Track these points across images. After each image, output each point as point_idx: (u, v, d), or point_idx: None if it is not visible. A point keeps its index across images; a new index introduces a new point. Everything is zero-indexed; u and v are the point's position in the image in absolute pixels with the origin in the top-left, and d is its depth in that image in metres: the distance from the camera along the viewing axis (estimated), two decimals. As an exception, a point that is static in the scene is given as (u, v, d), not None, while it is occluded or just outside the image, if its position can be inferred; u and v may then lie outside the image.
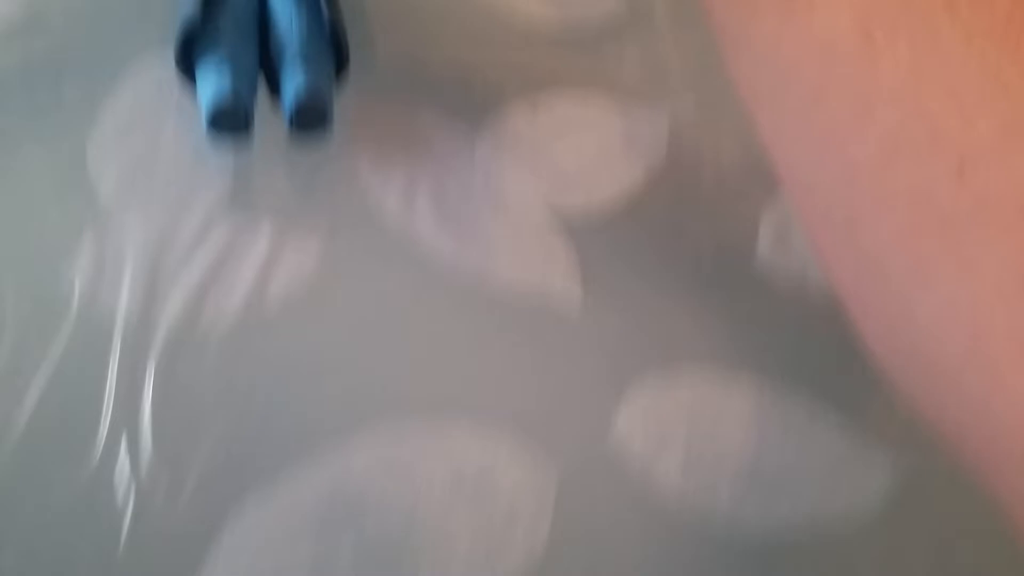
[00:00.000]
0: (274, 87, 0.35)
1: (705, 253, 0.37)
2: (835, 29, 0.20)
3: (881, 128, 0.19)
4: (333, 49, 0.35)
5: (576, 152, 0.39)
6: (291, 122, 0.34)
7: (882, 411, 0.34)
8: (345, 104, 0.38)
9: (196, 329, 0.33)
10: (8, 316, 0.32)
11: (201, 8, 0.33)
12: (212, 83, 0.33)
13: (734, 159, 0.40)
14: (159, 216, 0.35)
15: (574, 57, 0.42)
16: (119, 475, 0.29)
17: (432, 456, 0.31)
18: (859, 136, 0.20)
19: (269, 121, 0.36)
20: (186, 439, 0.31)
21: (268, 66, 0.35)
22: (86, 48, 0.39)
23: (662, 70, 0.43)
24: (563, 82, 0.41)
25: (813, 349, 0.36)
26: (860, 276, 0.22)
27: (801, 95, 0.21)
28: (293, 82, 0.33)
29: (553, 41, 0.43)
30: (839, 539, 0.31)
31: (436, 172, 0.38)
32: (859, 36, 0.20)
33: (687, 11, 0.45)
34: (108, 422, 0.30)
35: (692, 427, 0.33)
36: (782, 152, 0.24)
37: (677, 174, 0.39)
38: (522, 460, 0.31)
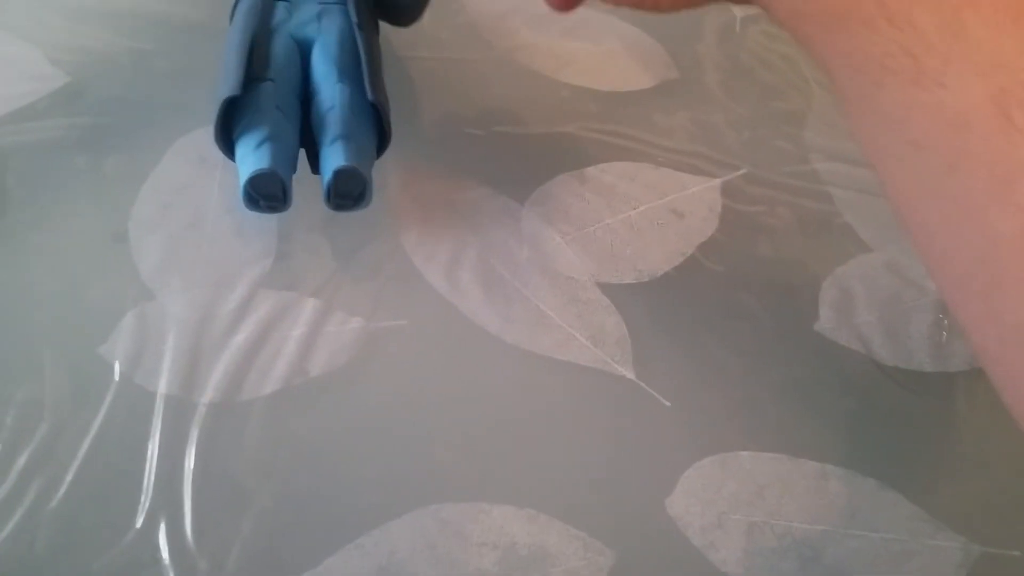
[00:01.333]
0: (316, 165, 0.35)
1: (762, 328, 0.36)
2: (969, 105, 0.20)
3: (1023, 201, 0.19)
4: (375, 127, 0.35)
5: (626, 227, 0.38)
6: (328, 199, 0.34)
7: (953, 496, 0.32)
8: (390, 174, 0.37)
9: (236, 408, 0.32)
10: (47, 394, 0.31)
11: (241, 86, 0.33)
12: (251, 161, 0.33)
13: (790, 229, 0.39)
14: (201, 294, 0.34)
15: (623, 129, 0.42)
16: (157, 559, 0.28)
17: (479, 543, 0.30)
18: (999, 208, 0.20)
19: (313, 197, 0.36)
20: (227, 524, 0.29)
21: (310, 144, 0.35)
22: (129, 123, 0.39)
23: (714, 141, 0.42)
24: (612, 155, 0.41)
25: (878, 429, 0.34)
26: (1004, 344, 0.21)
27: (934, 165, 0.21)
28: (332, 163, 0.33)
29: (602, 113, 0.43)
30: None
31: (482, 245, 0.37)
32: (996, 113, 0.20)
33: (739, 80, 0.45)
34: (147, 504, 0.29)
35: (752, 512, 0.31)
36: (915, 217, 0.23)
37: (731, 247, 0.38)
38: (574, 546, 0.30)
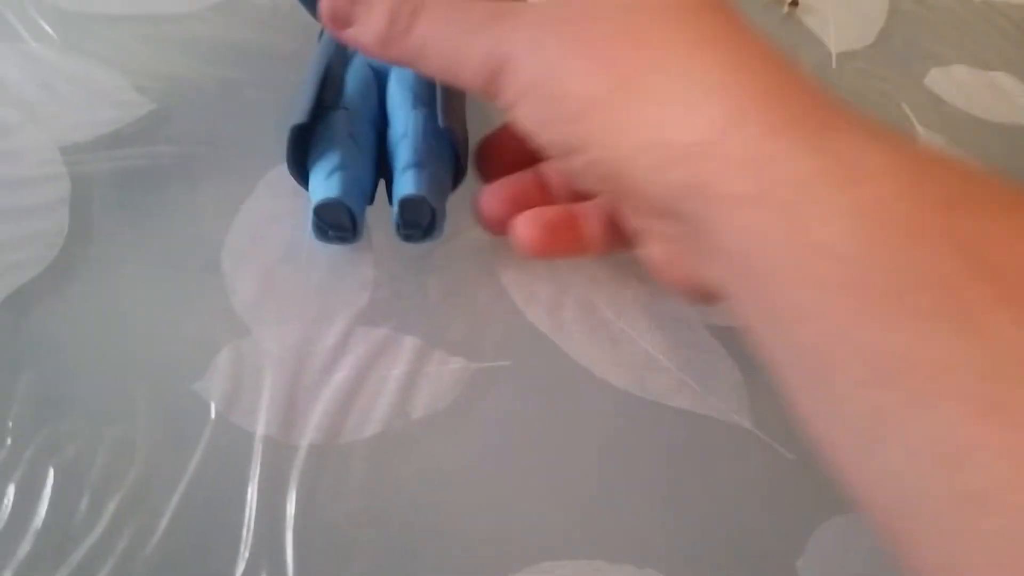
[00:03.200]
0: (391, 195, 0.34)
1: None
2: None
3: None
4: (452, 157, 0.33)
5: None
6: (397, 229, 0.32)
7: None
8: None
9: (337, 451, 0.30)
10: (140, 433, 0.30)
11: (309, 114, 0.32)
12: (320, 190, 0.31)
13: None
14: (298, 330, 0.33)
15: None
16: (258, 617, 0.26)
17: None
18: None
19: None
20: (330, 573, 0.27)
21: (389, 174, 0.33)
22: (219, 152, 0.37)
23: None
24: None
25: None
26: None
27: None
28: (400, 191, 0.31)
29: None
30: None
31: (585, 285, 0.35)
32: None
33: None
34: (248, 551, 0.27)
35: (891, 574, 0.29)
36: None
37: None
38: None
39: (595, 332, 0.34)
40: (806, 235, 0.18)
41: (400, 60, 0.27)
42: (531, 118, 0.24)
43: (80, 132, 0.37)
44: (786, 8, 0.48)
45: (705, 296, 0.26)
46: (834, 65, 0.46)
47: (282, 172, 0.37)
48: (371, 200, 0.33)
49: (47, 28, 0.40)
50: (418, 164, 0.32)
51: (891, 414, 0.17)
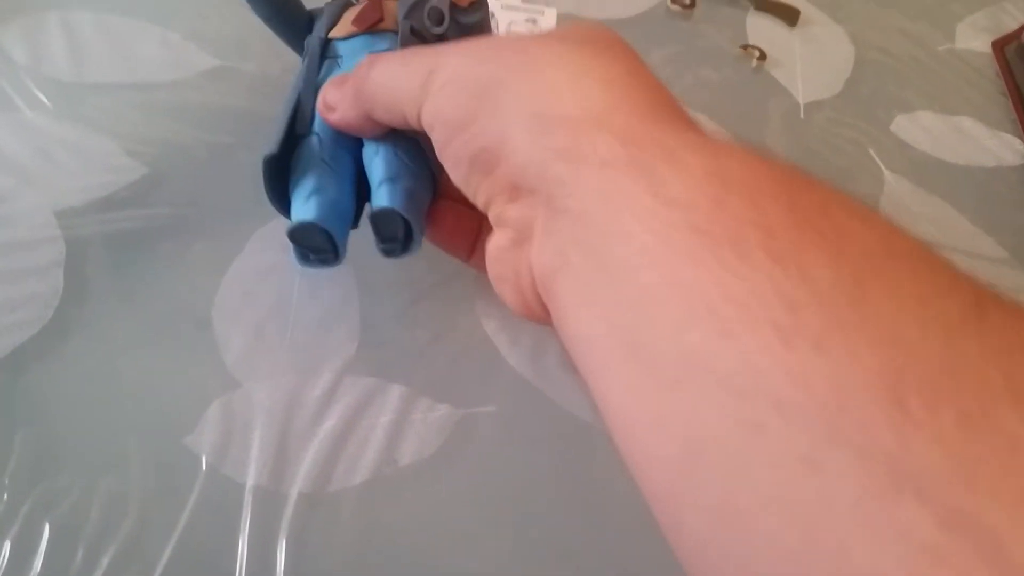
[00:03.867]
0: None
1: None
2: (852, 380, 0.16)
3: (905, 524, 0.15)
4: (427, 169, 0.33)
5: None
6: (376, 245, 0.32)
7: None
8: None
9: (327, 499, 0.31)
10: (133, 486, 0.30)
11: (279, 144, 0.32)
12: (297, 214, 0.32)
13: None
14: (287, 381, 0.33)
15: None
16: (250, 665, 0.27)
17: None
18: (870, 534, 0.15)
19: (394, 283, 0.36)
20: (320, 623, 0.28)
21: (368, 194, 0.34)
22: (209, 213, 0.39)
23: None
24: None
25: None
26: None
27: (788, 452, 0.16)
28: (374, 205, 0.32)
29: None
30: None
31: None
32: (887, 397, 0.15)
33: (809, 165, 0.45)
34: (238, 604, 0.28)
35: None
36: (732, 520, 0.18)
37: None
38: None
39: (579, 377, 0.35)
40: (663, 188, 0.20)
41: (363, 114, 0.30)
42: (446, 104, 0.26)
43: (74, 197, 0.38)
44: (755, 62, 0.50)
45: (535, 303, 0.26)
46: (802, 115, 0.48)
47: (271, 229, 0.38)
48: (355, 223, 0.33)
49: (42, 97, 0.42)
50: (391, 179, 0.32)
51: (697, 353, 0.18)
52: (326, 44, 0.35)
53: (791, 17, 0.53)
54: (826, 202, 0.19)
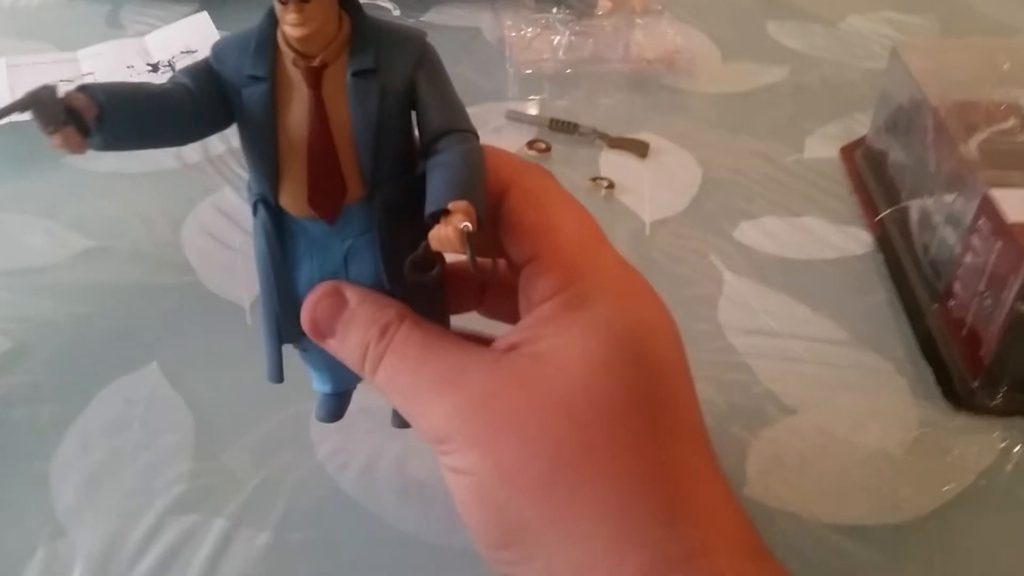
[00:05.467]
0: None
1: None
2: None
3: None
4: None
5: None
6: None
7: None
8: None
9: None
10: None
11: (280, 373, 0.30)
12: (319, 388, 0.32)
13: (714, 400, 0.39)
14: (111, 526, 0.34)
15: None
16: None
17: None
18: None
19: (239, 423, 0.37)
20: None
21: None
22: (64, 377, 0.41)
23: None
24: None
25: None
26: None
27: None
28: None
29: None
30: None
31: (399, 450, 0.37)
32: None
33: (653, 275, 0.47)
34: None
35: None
36: None
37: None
38: None
39: (407, 492, 0.36)
40: None
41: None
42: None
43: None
44: (603, 191, 0.53)
45: None
46: (648, 232, 0.51)
47: (117, 386, 0.40)
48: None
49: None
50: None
51: None
52: (278, 216, 0.27)
53: (641, 150, 0.57)
54: None
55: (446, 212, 0.24)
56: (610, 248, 0.28)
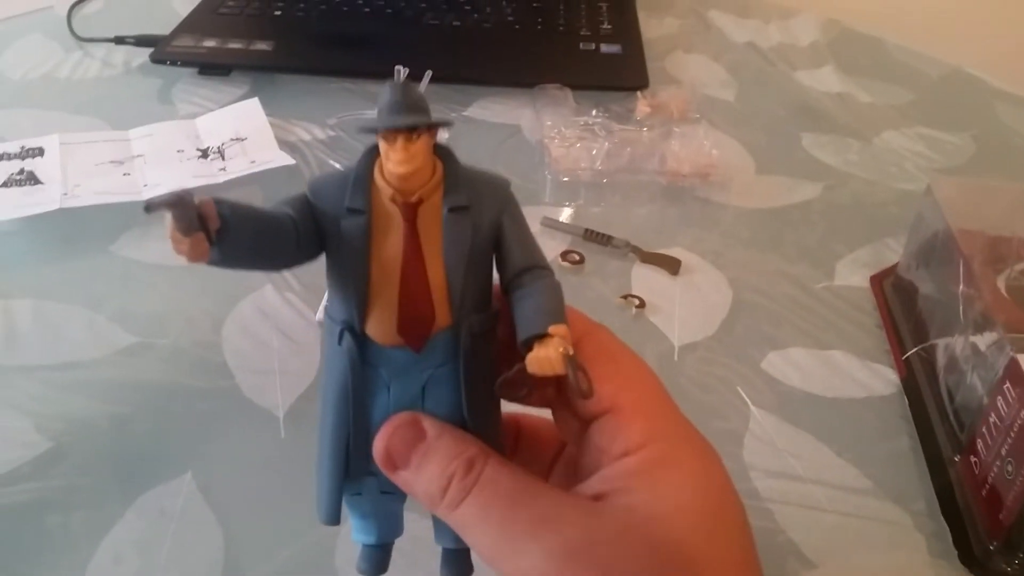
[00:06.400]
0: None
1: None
2: None
3: None
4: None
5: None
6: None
7: None
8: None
9: None
10: None
11: (337, 514, 0.30)
12: (360, 539, 0.32)
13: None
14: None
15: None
16: None
17: None
18: None
19: (267, 538, 0.37)
20: None
21: None
22: (100, 482, 0.42)
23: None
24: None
25: None
26: None
27: None
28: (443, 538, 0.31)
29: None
30: None
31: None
32: None
33: (679, 401, 0.47)
34: None
35: None
36: None
37: None
38: None
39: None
40: None
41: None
42: None
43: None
44: (634, 310, 0.54)
45: None
46: (676, 358, 0.51)
47: (153, 496, 0.41)
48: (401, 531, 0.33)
49: (-31, 382, 0.46)
50: None
51: None
52: (363, 343, 0.28)
53: (673, 266, 0.58)
54: None
55: (540, 337, 0.26)
56: (677, 407, 0.30)
